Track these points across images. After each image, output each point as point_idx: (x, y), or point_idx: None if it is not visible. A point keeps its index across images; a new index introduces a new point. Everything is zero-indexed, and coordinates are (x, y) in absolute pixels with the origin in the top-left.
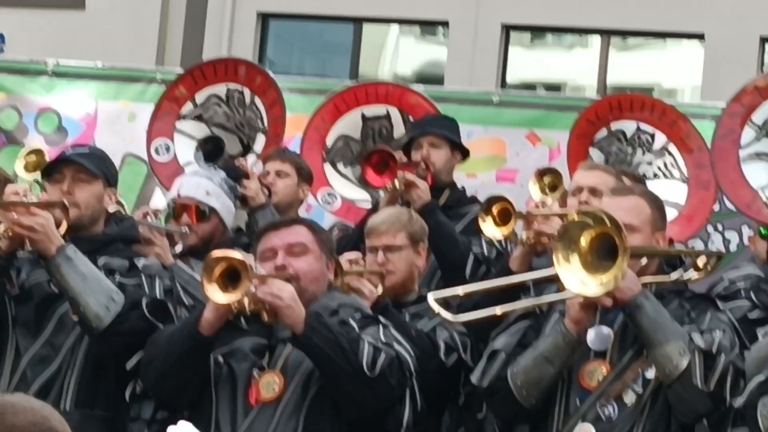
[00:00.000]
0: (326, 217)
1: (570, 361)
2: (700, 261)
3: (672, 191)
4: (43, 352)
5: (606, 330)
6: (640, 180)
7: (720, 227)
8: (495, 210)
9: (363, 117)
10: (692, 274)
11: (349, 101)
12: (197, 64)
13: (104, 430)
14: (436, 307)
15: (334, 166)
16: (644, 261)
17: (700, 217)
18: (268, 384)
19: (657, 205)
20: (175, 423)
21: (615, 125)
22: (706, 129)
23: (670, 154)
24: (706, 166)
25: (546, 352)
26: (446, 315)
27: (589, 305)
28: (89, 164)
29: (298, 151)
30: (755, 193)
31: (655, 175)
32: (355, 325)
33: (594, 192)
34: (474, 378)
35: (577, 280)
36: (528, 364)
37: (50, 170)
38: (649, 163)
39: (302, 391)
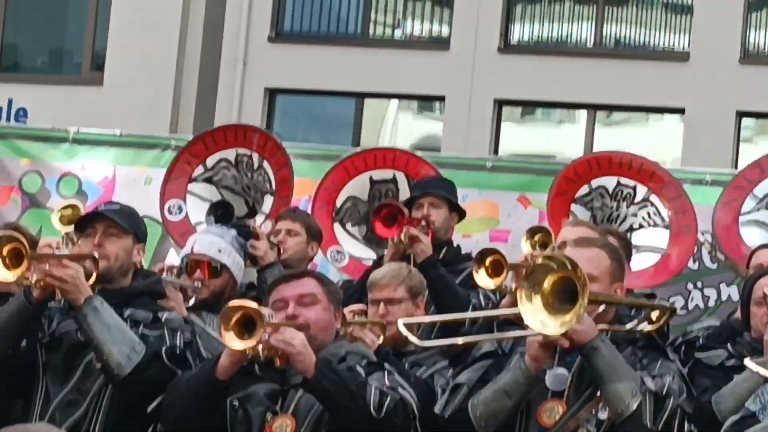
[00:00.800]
0: (331, 273)
1: (527, 396)
2: (654, 314)
3: (656, 237)
4: (71, 397)
5: (563, 371)
6: (624, 238)
7: (699, 284)
8: (488, 262)
9: (371, 180)
10: (645, 326)
11: (359, 165)
12: (209, 130)
13: None
14: (405, 331)
15: (342, 225)
16: (601, 309)
17: (681, 258)
18: (281, 427)
19: (616, 257)
20: None
21: (596, 182)
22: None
23: (651, 204)
24: (686, 212)
25: (506, 386)
26: (413, 339)
27: (548, 345)
28: (120, 220)
29: (308, 211)
30: (749, 250)
31: (641, 226)
32: (361, 371)
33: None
34: (437, 408)
35: (538, 319)
36: (488, 397)
37: (83, 224)
38: (634, 215)
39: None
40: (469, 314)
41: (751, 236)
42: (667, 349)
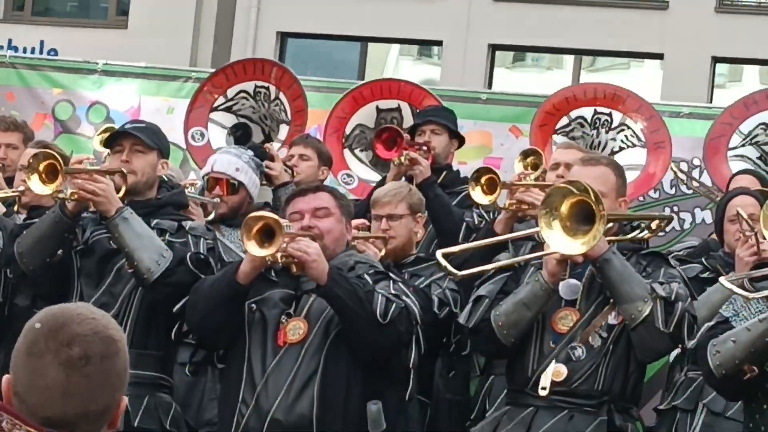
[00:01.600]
0: None
1: (545, 307)
2: (654, 224)
3: (635, 156)
4: (104, 299)
5: (575, 282)
6: (621, 169)
7: (676, 209)
8: (483, 180)
9: (377, 109)
10: (645, 234)
11: (366, 95)
12: (230, 62)
13: (156, 367)
14: (444, 263)
15: (351, 150)
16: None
17: (659, 172)
18: (294, 328)
19: (620, 173)
20: (209, 364)
21: (574, 113)
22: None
23: (628, 127)
24: (659, 129)
25: (525, 299)
26: (452, 270)
27: (564, 261)
28: (145, 137)
29: (320, 138)
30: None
31: (621, 148)
32: (369, 279)
33: (569, 167)
34: (461, 319)
35: (561, 242)
36: (509, 309)
37: (111, 142)
38: (613, 140)
39: (323, 335)
40: (494, 240)
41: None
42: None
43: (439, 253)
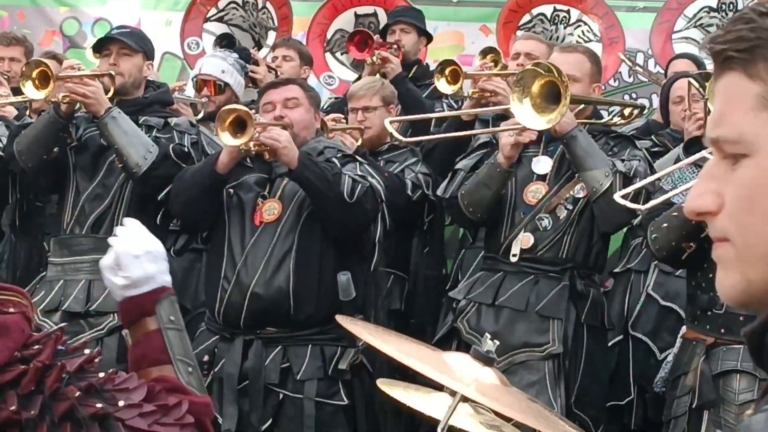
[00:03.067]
0: (324, 94)
1: (504, 186)
2: (626, 111)
3: None
4: (97, 191)
5: (546, 158)
6: (597, 57)
7: (634, 95)
8: (447, 71)
9: (355, 15)
10: (618, 120)
11: (345, 2)
12: None
13: None
14: (390, 128)
15: (332, 54)
16: (582, 106)
17: (613, 66)
18: (270, 209)
19: (595, 61)
20: (193, 249)
21: (535, 10)
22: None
23: (584, 23)
24: (612, 26)
25: (484, 179)
26: (397, 135)
27: (518, 145)
28: (130, 41)
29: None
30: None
31: (577, 42)
32: (337, 162)
33: (529, 56)
34: (439, 191)
35: (528, 117)
36: (471, 188)
37: (100, 47)
38: (571, 35)
39: (296, 214)
40: (460, 112)
41: (682, 50)
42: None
43: (386, 121)
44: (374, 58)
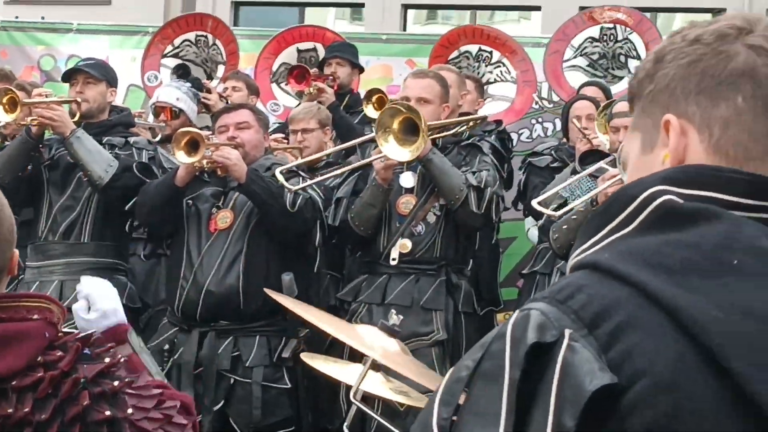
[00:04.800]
0: (271, 119)
1: (386, 202)
2: (471, 123)
3: (506, 89)
4: (68, 203)
5: (410, 173)
6: (479, 80)
7: (540, 119)
8: (374, 99)
9: (298, 50)
10: (463, 128)
11: (288, 39)
12: (174, 18)
13: (113, 254)
14: (281, 178)
15: (278, 84)
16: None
17: (525, 105)
18: (223, 218)
19: (443, 84)
20: (159, 254)
21: (463, 48)
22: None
23: (503, 64)
24: (528, 70)
25: (369, 200)
26: (288, 185)
27: (390, 166)
28: (94, 71)
29: (252, 76)
30: (572, 89)
31: (495, 80)
32: (282, 177)
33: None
34: (329, 219)
35: (394, 151)
36: (359, 209)
37: (68, 77)
38: (490, 72)
39: (246, 222)
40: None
41: (574, 79)
42: (482, 145)
43: (277, 172)
44: (311, 89)
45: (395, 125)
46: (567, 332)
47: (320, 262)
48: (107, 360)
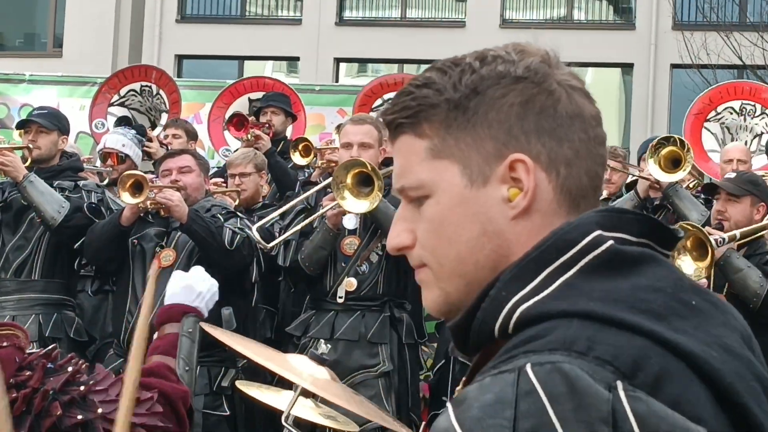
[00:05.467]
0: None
1: (334, 245)
2: None
3: None
4: (19, 243)
5: (352, 216)
6: (381, 124)
7: None
8: (300, 146)
9: (249, 99)
10: None
11: (240, 89)
12: (120, 69)
13: (61, 291)
14: (257, 236)
15: (229, 131)
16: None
17: None
18: (166, 256)
19: (380, 129)
20: (106, 290)
21: (386, 96)
22: None
23: None
24: None
25: (319, 243)
26: (263, 243)
27: (342, 212)
28: (46, 121)
29: (205, 124)
30: None
31: None
32: (221, 217)
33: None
34: (279, 261)
35: (352, 204)
36: (310, 252)
37: (22, 125)
38: None
39: (188, 259)
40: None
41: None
42: None
43: (254, 228)
44: (249, 136)
45: (348, 179)
46: (619, 383)
47: (257, 296)
48: (70, 369)
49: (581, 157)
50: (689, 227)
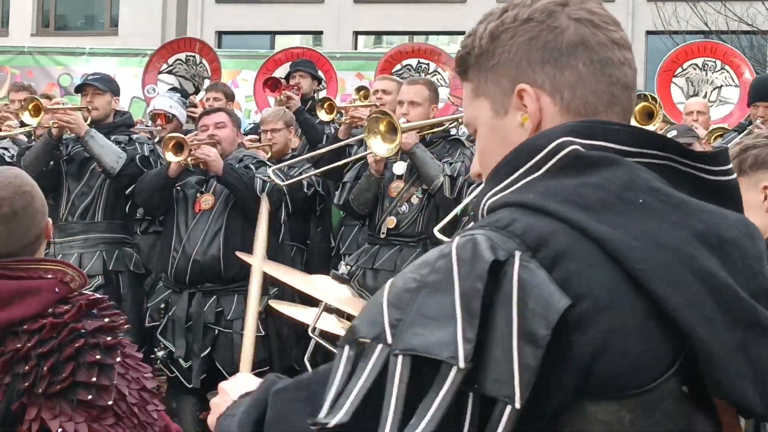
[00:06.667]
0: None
1: (378, 187)
2: (447, 123)
3: (442, 92)
4: (83, 190)
5: (402, 162)
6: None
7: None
8: (325, 105)
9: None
10: (445, 127)
11: (277, 60)
12: (168, 41)
13: (121, 230)
14: (273, 177)
15: (265, 92)
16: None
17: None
18: (205, 200)
19: (432, 88)
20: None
21: (405, 62)
22: None
23: (439, 72)
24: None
25: (364, 186)
26: (278, 182)
27: (381, 160)
28: (100, 84)
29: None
30: None
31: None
32: (253, 167)
33: (385, 92)
34: (335, 199)
35: (380, 147)
36: (357, 194)
37: (79, 89)
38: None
39: (224, 204)
40: (337, 145)
41: None
42: (463, 139)
43: (270, 170)
44: (281, 96)
45: (381, 127)
46: (517, 253)
47: (284, 234)
48: (106, 320)
49: (585, 80)
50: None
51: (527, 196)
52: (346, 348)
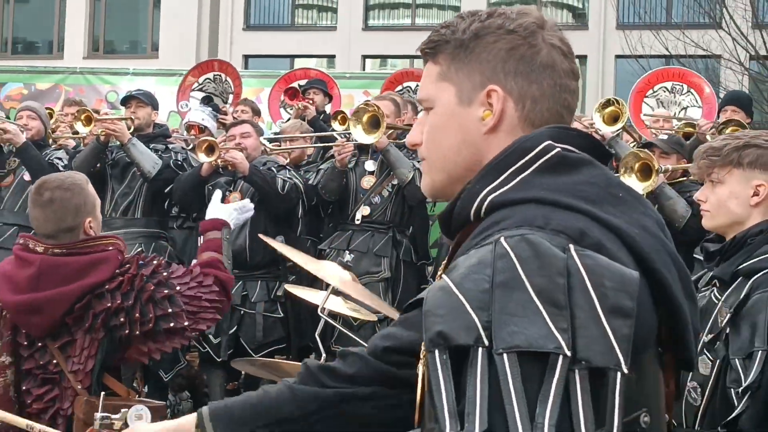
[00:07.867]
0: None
1: (342, 178)
2: None
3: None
4: (125, 191)
5: (372, 161)
6: (415, 104)
7: None
8: (339, 117)
9: (299, 85)
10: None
11: (292, 77)
12: (198, 63)
13: (157, 226)
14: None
15: (284, 109)
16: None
17: None
18: (234, 198)
19: (396, 105)
20: (188, 226)
21: (405, 84)
22: None
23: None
24: None
25: (329, 176)
26: (270, 147)
27: (346, 155)
28: (143, 97)
29: (266, 103)
30: None
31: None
32: (274, 170)
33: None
34: (311, 181)
35: (361, 136)
36: (325, 183)
37: (124, 102)
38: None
39: (250, 202)
40: (321, 134)
41: None
42: None
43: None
44: (299, 105)
45: (364, 119)
46: (571, 246)
47: (301, 228)
48: (154, 263)
49: (546, 97)
50: (640, 153)
51: (535, 193)
52: (437, 352)
